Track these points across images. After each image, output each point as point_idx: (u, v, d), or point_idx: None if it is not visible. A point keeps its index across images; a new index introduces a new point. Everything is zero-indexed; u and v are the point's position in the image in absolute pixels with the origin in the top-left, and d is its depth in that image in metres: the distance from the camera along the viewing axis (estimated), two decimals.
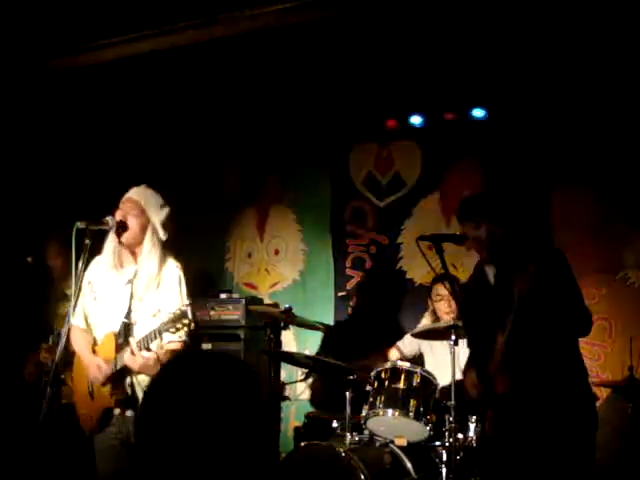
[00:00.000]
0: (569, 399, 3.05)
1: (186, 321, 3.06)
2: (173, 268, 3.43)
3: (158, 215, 3.46)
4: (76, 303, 3.33)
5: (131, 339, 3.26)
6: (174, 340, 3.33)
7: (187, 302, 3.15)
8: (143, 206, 3.45)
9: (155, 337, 3.17)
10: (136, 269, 3.43)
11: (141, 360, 3.19)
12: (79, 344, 3.51)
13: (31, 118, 5.37)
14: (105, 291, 3.49)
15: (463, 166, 5.48)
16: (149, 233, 3.42)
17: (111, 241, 3.44)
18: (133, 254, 3.46)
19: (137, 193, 3.51)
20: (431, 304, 4.87)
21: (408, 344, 4.90)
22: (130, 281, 3.42)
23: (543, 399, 3.03)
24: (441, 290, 4.65)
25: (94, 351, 3.45)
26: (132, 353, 3.20)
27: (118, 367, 3.30)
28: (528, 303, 2.97)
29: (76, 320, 3.53)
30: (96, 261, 3.55)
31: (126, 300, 3.40)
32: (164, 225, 3.47)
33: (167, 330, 3.12)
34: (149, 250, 3.41)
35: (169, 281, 3.37)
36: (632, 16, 4.06)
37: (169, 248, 3.54)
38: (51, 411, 3.06)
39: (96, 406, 3.39)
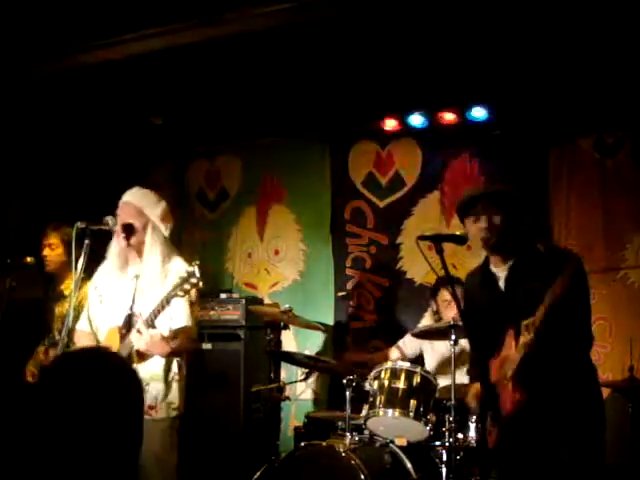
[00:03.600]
0: (582, 396, 2.99)
1: (194, 280, 3.04)
2: (180, 265, 3.44)
3: (155, 211, 3.49)
4: (76, 302, 3.35)
5: (139, 319, 3.25)
6: (181, 326, 3.35)
7: (196, 262, 3.13)
8: (139, 206, 3.49)
9: (162, 308, 3.16)
10: (140, 266, 3.45)
11: (147, 338, 3.16)
12: (83, 344, 3.52)
13: (29, 120, 5.37)
14: (110, 292, 3.52)
15: (463, 165, 5.49)
16: (149, 231, 3.46)
17: (115, 245, 3.50)
18: (138, 253, 3.48)
19: (131, 195, 3.56)
20: (436, 307, 4.84)
21: (409, 344, 4.89)
22: (135, 277, 3.45)
23: (558, 398, 2.96)
24: (448, 295, 4.59)
25: None
26: (138, 332, 3.18)
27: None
28: (557, 307, 2.82)
29: (81, 325, 3.57)
30: (102, 266, 3.61)
31: (130, 296, 3.42)
32: (164, 219, 3.50)
33: (175, 295, 3.10)
34: (150, 246, 3.44)
35: (176, 277, 3.37)
36: (625, 8, 4.06)
37: (175, 247, 3.58)
38: None
39: None
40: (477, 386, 3.24)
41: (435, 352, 4.78)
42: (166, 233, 3.51)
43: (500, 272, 3.12)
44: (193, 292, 3.20)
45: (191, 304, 3.42)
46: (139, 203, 3.50)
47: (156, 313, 3.18)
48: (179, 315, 3.36)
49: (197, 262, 3.12)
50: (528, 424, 2.99)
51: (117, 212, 3.50)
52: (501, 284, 3.11)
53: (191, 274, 3.05)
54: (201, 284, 3.11)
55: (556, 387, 2.97)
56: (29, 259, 4.33)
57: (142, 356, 3.31)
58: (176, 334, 3.34)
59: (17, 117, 5.27)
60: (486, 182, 5.27)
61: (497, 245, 3.08)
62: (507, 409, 2.98)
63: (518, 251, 3.10)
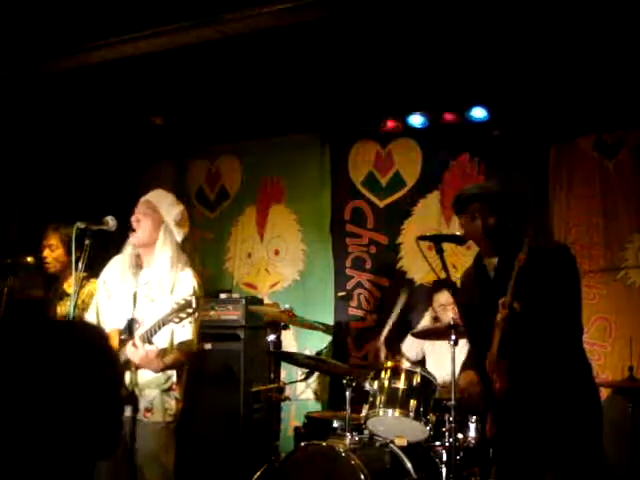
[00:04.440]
0: (572, 391, 2.96)
1: (190, 310, 3.08)
2: (189, 277, 3.45)
3: (170, 213, 3.51)
4: (76, 303, 3.35)
5: (136, 332, 3.27)
6: (185, 340, 3.35)
7: (191, 294, 3.16)
8: (155, 204, 3.52)
9: (159, 328, 3.17)
10: (151, 270, 3.47)
11: (142, 353, 3.17)
12: None
13: (29, 120, 5.37)
14: (119, 291, 3.53)
15: (463, 165, 5.49)
16: (162, 231, 3.47)
17: (129, 244, 3.52)
18: (150, 256, 3.49)
19: (150, 195, 3.60)
20: (433, 311, 4.84)
21: (411, 347, 4.88)
22: (145, 284, 3.45)
23: (545, 391, 2.94)
24: (442, 299, 4.62)
25: None
26: (134, 345, 3.19)
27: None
28: (525, 285, 2.84)
29: (89, 317, 3.58)
30: (115, 260, 3.62)
31: (137, 299, 3.42)
32: (178, 224, 3.50)
33: (170, 320, 3.12)
34: (162, 246, 3.45)
35: (184, 288, 3.38)
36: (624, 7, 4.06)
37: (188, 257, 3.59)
38: None
39: None
40: (466, 375, 3.22)
41: (436, 352, 4.77)
42: (179, 238, 3.51)
43: (490, 262, 3.16)
44: (187, 320, 3.20)
45: (196, 321, 3.41)
46: (155, 201, 3.53)
47: (152, 332, 3.19)
48: (182, 330, 3.35)
49: (194, 295, 3.16)
50: (514, 414, 2.97)
51: (134, 210, 3.53)
52: (491, 274, 3.15)
53: (188, 303, 3.08)
54: (197, 315, 3.19)
55: (540, 375, 2.94)
56: (29, 259, 4.33)
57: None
58: (177, 347, 3.35)
59: (17, 117, 5.27)
60: (483, 181, 5.27)
61: (490, 245, 3.12)
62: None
63: (509, 248, 3.10)
